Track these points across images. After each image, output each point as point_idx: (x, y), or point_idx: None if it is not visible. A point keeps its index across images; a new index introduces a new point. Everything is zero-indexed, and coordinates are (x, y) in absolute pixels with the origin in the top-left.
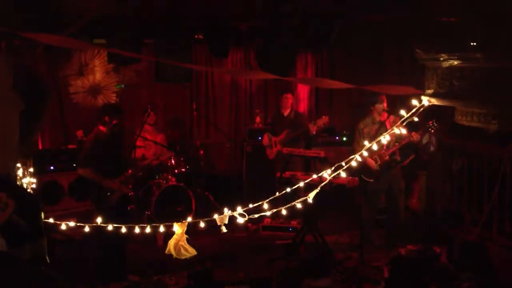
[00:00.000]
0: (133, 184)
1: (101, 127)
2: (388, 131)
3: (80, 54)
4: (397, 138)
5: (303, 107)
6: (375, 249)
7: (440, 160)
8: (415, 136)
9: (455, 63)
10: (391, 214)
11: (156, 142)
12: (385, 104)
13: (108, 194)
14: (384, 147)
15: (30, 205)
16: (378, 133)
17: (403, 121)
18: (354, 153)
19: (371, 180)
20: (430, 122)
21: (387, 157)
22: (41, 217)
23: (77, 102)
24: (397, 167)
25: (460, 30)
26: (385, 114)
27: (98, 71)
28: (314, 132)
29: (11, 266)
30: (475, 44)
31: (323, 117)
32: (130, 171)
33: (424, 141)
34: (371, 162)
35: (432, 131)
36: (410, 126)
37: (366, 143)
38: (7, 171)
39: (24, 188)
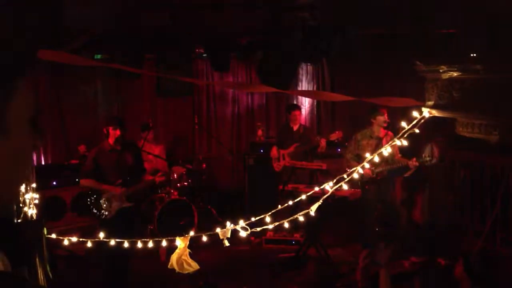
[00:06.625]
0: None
1: (106, 140)
2: (390, 142)
3: None
4: (391, 160)
5: (305, 120)
6: None
7: (442, 172)
8: (412, 164)
9: (455, 74)
10: (391, 225)
11: (155, 155)
12: (386, 116)
13: (105, 205)
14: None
15: None
16: (377, 149)
17: (403, 133)
18: (345, 161)
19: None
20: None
21: (373, 174)
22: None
23: None
24: (397, 179)
25: (460, 42)
26: (383, 131)
27: None
28: (325, 148)
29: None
30: (474, 55)
31: (337, 132)
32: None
33: (426, 153)
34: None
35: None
36: (411, 138)
37: (367, 155)
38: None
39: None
